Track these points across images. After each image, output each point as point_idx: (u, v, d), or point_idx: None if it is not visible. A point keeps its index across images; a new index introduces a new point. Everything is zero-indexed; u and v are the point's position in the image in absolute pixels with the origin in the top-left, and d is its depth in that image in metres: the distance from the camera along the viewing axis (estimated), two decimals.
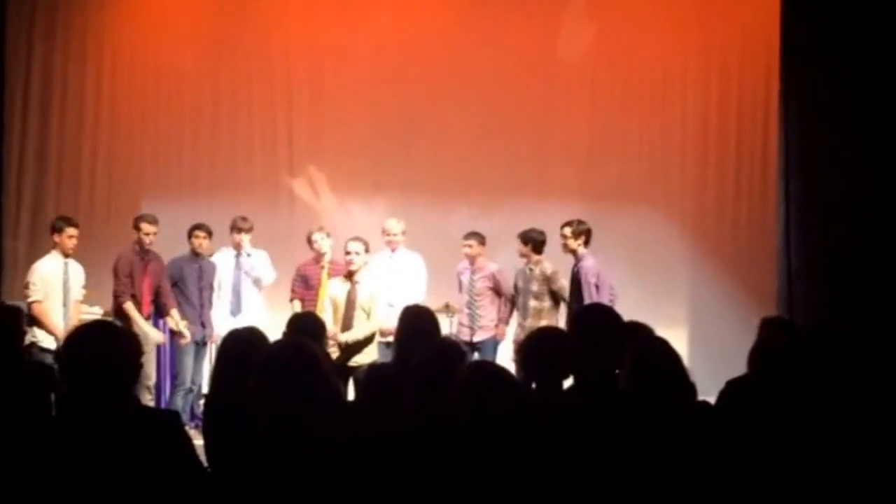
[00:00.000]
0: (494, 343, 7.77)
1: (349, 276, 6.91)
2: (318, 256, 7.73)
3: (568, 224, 7.38)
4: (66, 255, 7.05)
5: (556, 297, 7.52)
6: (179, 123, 9.55)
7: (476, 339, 7.71)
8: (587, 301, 6.92)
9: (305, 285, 7.72)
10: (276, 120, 9.58)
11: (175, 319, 7.35)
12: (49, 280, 6.96)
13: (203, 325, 7.58)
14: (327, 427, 2.96)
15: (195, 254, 7.60)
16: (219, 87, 9.53)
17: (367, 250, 6.96)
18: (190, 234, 7.63)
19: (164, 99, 9.55)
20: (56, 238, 7.05)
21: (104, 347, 2.79)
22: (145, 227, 7.35)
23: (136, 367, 2.89)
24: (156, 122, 9.54)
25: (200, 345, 7.57)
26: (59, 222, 7.15)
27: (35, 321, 6.85)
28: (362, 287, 6.85)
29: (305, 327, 4.65)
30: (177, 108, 9.55)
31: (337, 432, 2.99)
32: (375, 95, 9.41)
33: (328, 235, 7.76)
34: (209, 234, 7.67)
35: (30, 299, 6.92)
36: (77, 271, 7.17)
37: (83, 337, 2.87)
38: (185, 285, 7.54)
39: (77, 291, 7.14)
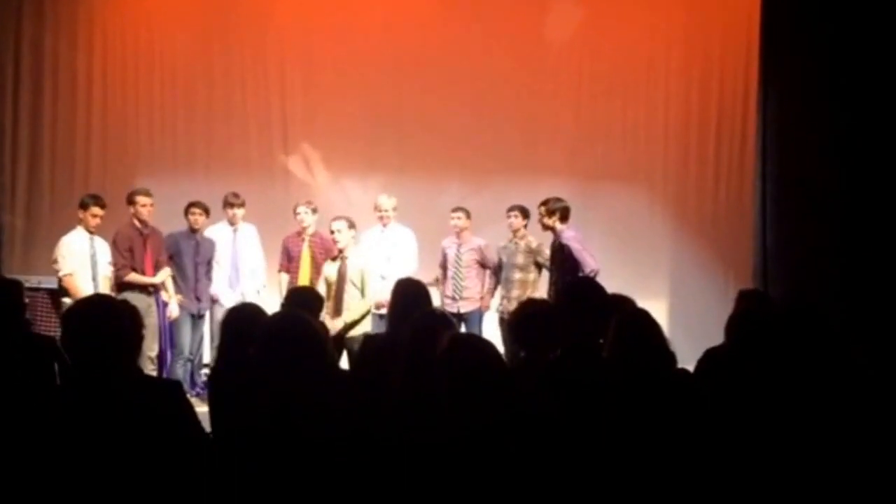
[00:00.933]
0: (480, 314, 7.82)
1: (338, 252, 6.95)
2: (301, 230, 7.78)
3: (543, 203, 7.43)
4: (90, 232, 7.03)
5: (539, 268, 7.61)
6: (173, 102, 9.46)
7: (463, 310, 7.76)
8: (584, 263, 6.98)
9: (288, 257, 7.79)
10: (270, 99, 9.52)
11: (169, 292, 7.37)
12: (78, 255, 6.95)
13: (198, 299, 7.57)
14: (322, 395, 3.00)
15: (192, 230, 7.61)
16: (212, 67, 9.44)
17: (350, 226, 6.96)
18: (186, 211, 7.62)
19: (158, 78, 9.44)
20: (81, 214, 7.02)
21: (104, 320, 2.81)
22: (141, 199, 7.25)
23: (137, 339, 2.91)
24: (149, 101, 9.45)
25: (196, 317, 7.58)
26: (86, 199, 7.11)
27: (67, 294, 6.85)
28: (351, 262, 6.88)
29: (303, 300, 4.69)
30: (170, 87, 9.45)
31: (331, 400, 3.04)
32: (368, 75, 9.37)
33: (314, 210, 7.78)
34: (206, 211, 7.63)
35: (61, 273, 6.91)
36: (103, 247, 7.15)
37: (83, 310, 2.90)
38: (181, 259, 7.49)
39: (104, 267, 7.12)
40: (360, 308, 6.72)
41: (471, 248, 7.85)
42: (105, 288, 7.01)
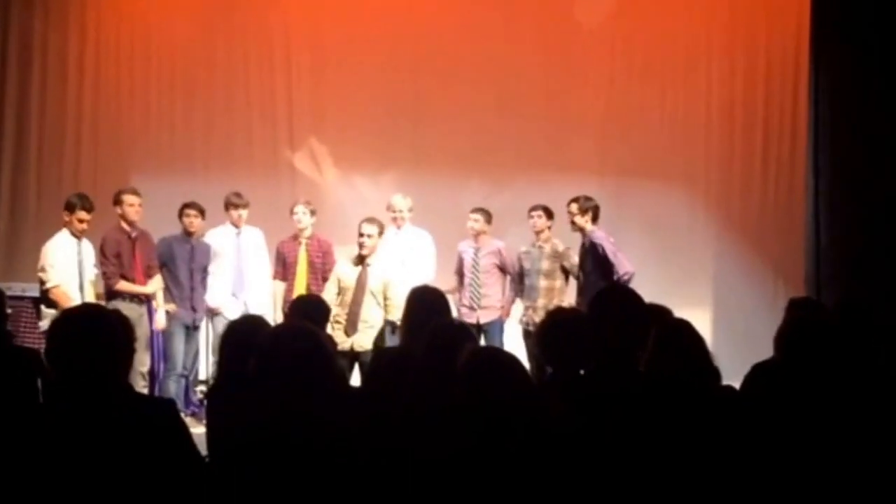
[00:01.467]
0: (500, 324, 7.80)
1: (361, 259, 6.93)
2: (298, 232, 7.76)
3: (574, 200, 7.41)
4: (77, 236, 7.02)
5: (566, 274, 7.56)
6: (171, 94, 9.51)
7: (482, 320, 7.72)
8: (620, 268, 6.96)
9: (283, 264, 7.77)
10: (275, 89, 9.56)
11: (158, 301, 7.33)
12: (64, 262, 6.93)
13: (194, 309, 7.56)
14: (329, 412, 2.98)
15: (187, 233, 7.58)
16: (213, 55, 9.48)
17: (381, 233, 6.99)
18: (180, 213, 7.58)
19: (155, 68, 9.50)
20: (66, 216, 7.01)
21: (93, 332, 2.80)
22: (128, 199, 7.24)
23: (128, 353, 2.89)
24: (145, 93, 9.50)
25: (191, 329, 7.58)
26: (73, 200, 7.08)
27: (54, 305, 6.83)
28: (374, 271, 6.85)
29: (308, 311, 4.69)
30: (168, 77, 9.50)
31: (337, 420, 3.01)
32: (382, 64, 9.39)
33: (312, 212, 7.76)
34: (201, 212, 7.62)
35: (48, 284, 6.88)
36: (90, 251, 7.14)
37: (70, 321, 2.88)
38: (175, 266, 7.49)
39: (90, 272, 7.13)
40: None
41: (489, 251, 7.81)
42: (91, 295, 7.00)
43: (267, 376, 2.99)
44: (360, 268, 6.88)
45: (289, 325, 3.53)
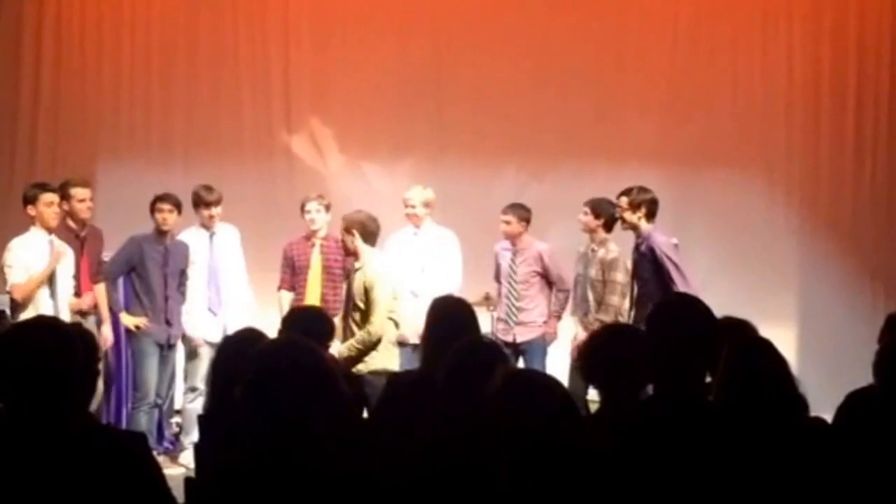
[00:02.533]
0: (543, 345, 7.76)
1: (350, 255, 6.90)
2: (310, 233, 7.75)
3: (625, 193, 7.32)
4: (50, 231, 6.97)
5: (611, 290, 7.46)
6: (146, 68, 9.53)
7: (519, 339, 7.67)
8: (677, 281, 6.87)
9: (293, 270, 7.73)
10: (269, 62, 9.58)
11: (103, 313, 7.25)
12: (29, 267, 6.86)
13: (168, 323, 7.47)
14: (332, 448, 2.96)
15: (160, 232, 7.50)
16: (196, 22, 9.51)
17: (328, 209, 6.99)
18: (152, 208, 7.47)
19: (127, 37, 9.50)
20: (32, 211, 6.93)
21: (48, 350, 2.78)
22: (77, 192, 7.20)
23: (91, 376, 2.89)
24: (115, 67, 9.51)
25: (165, 348, 7.51)
26: (31, 190, 7.02)
27: (18, 310, 6.80)
28: (358, 274, 6.74)
29: (305, 325, 4.67)
30: (143, 48, 9.52)
31: (345, 455, 2.99)
32: (397, 30, 9.40)
33: (327, 207, 7.72)
34: (177, 206, 7.51)
35: (11, 282, 6.81)
36: (66, 254, 7.05)
37: (20, 337, 2.86)
38: (146, 271, 7.43)
39: (68, 284, 7.04)
40: (358, 340, 6.50)
41: (528, 256, 7.76)
42: (67, 314, 6.89)
43: (255, 405, 2.97)
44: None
45: (281, 340, 3.50)
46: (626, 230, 7.35)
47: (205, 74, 9.54)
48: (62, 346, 2.82)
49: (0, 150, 9.45)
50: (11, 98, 9.45)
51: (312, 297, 7.57)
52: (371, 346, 6.48)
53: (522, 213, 7.78)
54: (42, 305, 6.82)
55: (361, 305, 6.55)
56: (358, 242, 6.71)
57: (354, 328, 6.59)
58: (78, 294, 7.18)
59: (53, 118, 9.47)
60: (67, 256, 7.04)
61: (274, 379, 2.98)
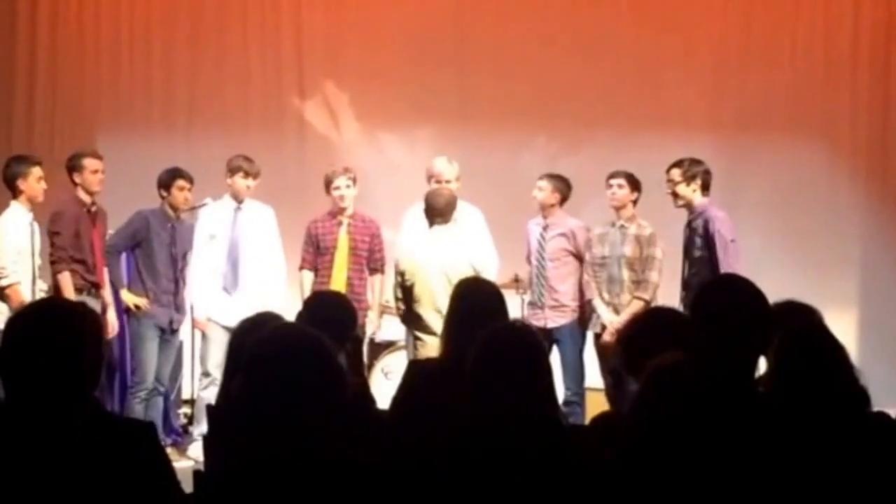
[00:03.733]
0: (578, 330, 7.70)
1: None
2: (337, 210, 7.75)
3: (676, 164, 7.30)
4: (32, 208, 7.09)
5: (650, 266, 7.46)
6: (146, 33, 9.61)
7: (550, 324, 7.61)
8: (724, 263, 6.83)
9: (315, 249, 7.73)
10: (279, 22, 9.64)
11: (107, 297, 7.35)
12: (19, 248, 6.98)
13: (176, 308, 7.62)
14: (341, 445, 2.97)
15: (174, 209, 7.62)
16: None
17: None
18: (169, 184, 7.58)
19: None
20: (22, 185, 7.06)
21: (58, 334, 2.82)
22: (90, 162, 7.31)
23: (98, 361, 2.92)
24: (115, 32, 9.60)
25: (168, 332, 7.62)
26: (17, 164, 7.15)
27: (5, 300, 6.90)
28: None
29: (326, 312, 4.67)
30: (143, 8, 9.59)
31: (348, 447, 3.00)
32: None
33: (354, 181, 7.74)
34: (191, 182, 7.65)
35: (4, 282, 6.91)
36: (38, 234, 7.18)
37: (29, 321, 2.90)
38: (151, 249, 7.54)
39: (38, 259, 7.17)
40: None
41: (559, 232, 7.73)
42: (41, 294, 7.02)
43: (253, 396, 2.98)
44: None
45: (285, 326, 3.51)
46: (680, 206, 7.32)
47: (209, 37, 9.62)
48: (74, 329, 2.86)
49: None
50: (6, 66, 9.56)
51: (338, 281, 7.59)
52: None
53: (559, 184, 7.74)
54: (23, 290, 6.92)
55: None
56: None
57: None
58: (90, 271, 7.28)
59: (50, 88, 9.58)
60: (38, 234, 7.15)
61: (266, 370, 3.00)
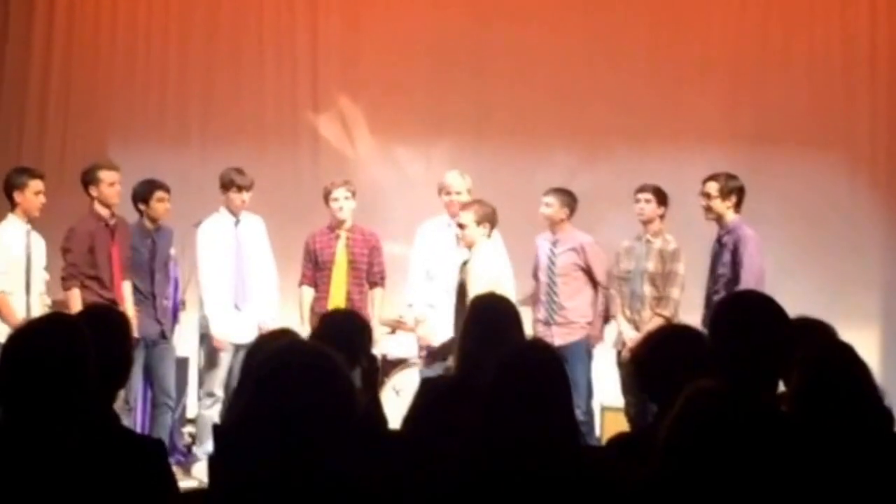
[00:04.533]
0: (587, 348, 7.70)
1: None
2: (336, 223, 7.76)
3: (713, 178, 7.28)
4: (29, 221, 7.10)
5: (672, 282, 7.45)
6: (163, 42, 9.66)
7: (559, 341, 7.50)
8: (747, 285, 6.79)
9: (314, 264, 7.74)
10: (294, 34, 9.67)
11: (130, 310, 7.28)
12: (11, 260, 7.00)
13: (158, 322, 7.58)
14: (350, 464, 2.96)
15: (153, 221, 7.59)
16: None
17: (481, 222, 7.14)
18: (148, 196, 7.52)
19: (143, 7, 9.65)
20: (17, 196, 7.07)
21: (51, 353, 2.82)
22: (107, 175, 7.30)
23: (120, 364, 2.98)
24: (130, 41, 9.64)
25: (160, 341, 7.58)
26: (17, 176, 7.15)
27: None
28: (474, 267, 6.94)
29: (341, 332, 4.64)
30: (160, 20, 9.65)
31: (368, 473, 2.99)
32: (435, 1, 9.44)
33: (353, 194, 7.76)
34: (169, 193, 7.60)
35: None
36: (40, 246, 7.21)
37: (24, 340, 2.89)
38: (133, 265, 7.51)
39: (40, 277, 7.19)
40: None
41: (569, 247, 7.72)
42: (38, 307, 7.01)
43: (263, 416, 2.97)
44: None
45: (291, 344, 3.51)
46: (711, 219, 7.30)
47: (224, 48, 9.66)
48: (71, 347, 2.86)
49: (7, 131, 9.61)
50: (20, 76, 9.60)
51: (337, 296, 7.63)
52: None
53: (566, 198, 7.74)
54: (16, 301, 6.94)
55: None
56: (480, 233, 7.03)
57: None
58: (106, 287, 7.25)
59: (64, 98, 9.62)
60: (40, 249, 7.17)
61: (276, 388, 2.98)
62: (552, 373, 3.50)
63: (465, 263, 7.01)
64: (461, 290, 6.93)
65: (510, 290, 7.07)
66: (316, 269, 7.76)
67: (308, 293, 7.76)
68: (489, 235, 7.08)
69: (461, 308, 6.72)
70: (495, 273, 6.99)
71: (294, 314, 7.79)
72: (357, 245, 7.74)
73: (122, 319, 3.15)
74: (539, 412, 3.34)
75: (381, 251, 7.83)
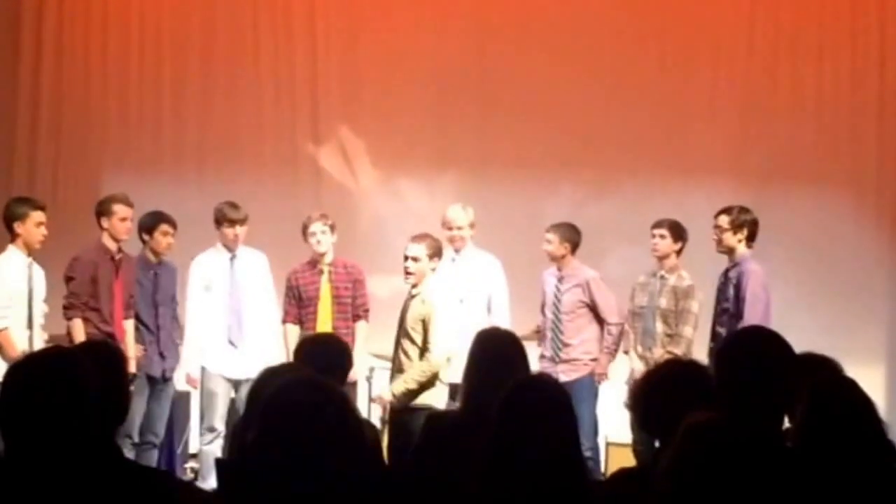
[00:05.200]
0: (592, 385, 7.74)
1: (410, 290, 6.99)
2: (317, 257, 7.78)
3: (725, 212, 7.30)
4: (30, 253, 7.07)
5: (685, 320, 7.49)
6: (157, 71, 9.64)
7: (563, 378, 7.49)
8: (749, 320, 6.83)
9: (298, 301, 7.75)
10: (294, 64, 9.67)
11: (130, 345, 7.34)
12: (12, 292, 6.97)
13: (162, 356, 7.59)
14: (352, 499, 2.99)
15: (155, 255, 7.61)
16: (213, 20, 9.62)
17: (434, 253, 6.99)
18: (152, 229, 7.53)
19: (136, 36, 9.63)
20: (19, 229, 7.03)
21: (51, 387, 2.81)
22: (121, 209, 7.32)
23: (117, 399, 2.94)
24: (123, 69, 9.62)
25: (160, 382, 7.59)
26: (17, 206, 7.11)
27: None
28: (415, 303, 6.87)
29: (321, 356, 4.72)
30: (153, 48, 9.63)
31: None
32: (436, 28, 9.45)
33: (332, 228, 7.75)
34: (174, 226, 7.62)
35: None
36: (41, 278, 7.17)
37: (23, 374, 2.89)
38: (136, 301, 7.51)
39: (41, 307, 7.16)
40: (418, 370, 6.72)
41: (575, 283, 7.75)
42: (41, 345, 6.88)
43: (267, 451, 2.98)
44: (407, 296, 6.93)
45: (298, 379, 3.54)
46: (722, 252, 7.33)
47: (221, 77, 9.64)
48: (70, 380, 2.85)
49: None
50: (8, 105, 9.56)
51: (323, 330, 7.55)
52: (430, 380, 6.67)
53: (567, 233, 7.76)
54: (17, 335, 6.91)
55: (416, 337, 6.71)
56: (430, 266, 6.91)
57: (405, 361, 6.74)
58: (106, 321, 7.27)
59: (55, 126, 9.58)
60: (41, 281, 7.14)
61: (286, 423, 3.02)
62: (558, 407, 3.52)
63: (413, 297, 6.91)
64: (402, 320, 6.92)
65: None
66: (300, 306, 7.75)
67: (293, 331, 7.74)
68: (434, 269, 7.01)
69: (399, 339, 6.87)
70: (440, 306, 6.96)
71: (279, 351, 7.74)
72: (340, 279, 7.74)
73: (119, 355, 3.15)
74: (545, 447, 3.36)
75: (365, 284, 7.83)
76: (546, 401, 3.54)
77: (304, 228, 7.76)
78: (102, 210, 7.37)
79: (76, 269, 7.25)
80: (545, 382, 3.86)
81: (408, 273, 6.91)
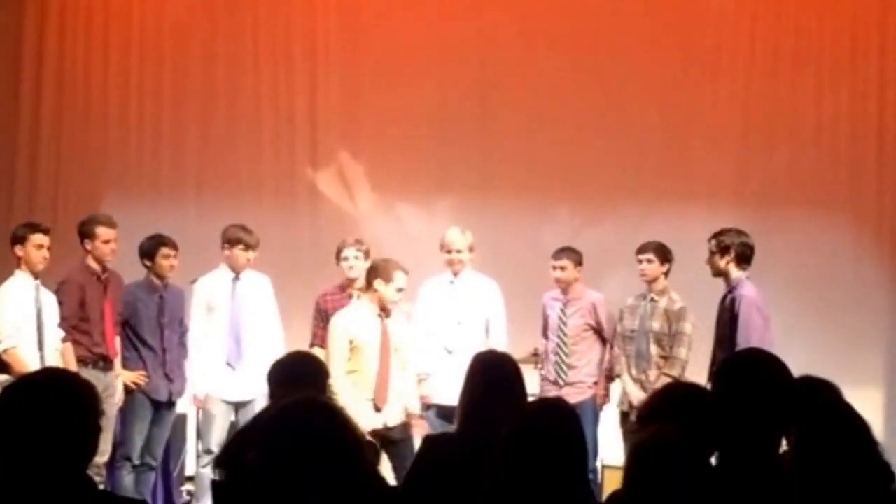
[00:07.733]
0: (594, 409, 7.76)
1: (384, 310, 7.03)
2: (347, 282, 7.77)
3: (714, 235, 7.31)
4: (36, 276, 7.11)
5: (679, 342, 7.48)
6: (157, 95, 9.64)
7: (568, 400, 7.58)
8: (743, 345, 6.82)
9: (327, 324, 7.68)
10: (293, 88, 9.67)
11: (117, 369, 7.35)
12: (21, 314, 6.99)
13: (169, 379, 7.58)
14: None
15: (159, 278, 7.60)
16: (214, 45, 9.64)
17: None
18: (153, 253, 7.51)
19: (136, 60, 9.64)
20: (20, 251, 7.06)
21: (56, 406, 2.81)
22: (102, 231, 7.30)
23: (94, 436, 2.89)
24: (123, 93, 9.63)
25: (165, 406, 7.61)
26: (20, 230, 7.15)
27: (5, 370, 6.86)
28: (394, 323, 6.96)
29: (295, 374, 4.70)
30: (153, 72, 9.64)
31: None
32: (437, 53, 9.47)
33: (366, 254, 7.71)
34: (176, 250, 7.61)
35: (1, 347, 6.92)
36: (51, 302, 7.17)
37: (25, 390, 2.89)
38: (140, 324, 7.52)
39: (54, 331, 7.15)
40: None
41: (583, 306, 7.78)
42: (55, 359, 7.01)
43: (270, 472, 2.98)
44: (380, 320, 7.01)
45: (300, 399, 3.55)
46: (717, 276, 7.29)
47: (221, 102, 9.65)
48: (72, 401, 2.85)
49: None
50: (9, 129, 9.56)
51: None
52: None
53: (576, 256, 7.78)
54: (28, 357, 6.92)
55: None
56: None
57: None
58: (97, 343, 7.29)
59: (54, 151, 9.57)
60: (51, 304, 7.15)
61: (286, 443, 3.02)
62: (572, 432, 3.57)
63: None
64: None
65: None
66: (327, 328, 7.62)
67: (320, 353, 7.54)
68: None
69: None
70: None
71: None
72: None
73: (86, 387, 3.16)
74: (553, 471, 3.41)
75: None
76: (559, 426, 3.58)
77: (338, 252, 7.75)
78: (85, 232, 7.34)
79: (64, 294, 7.25)
80: (555, 407, 3.86)
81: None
